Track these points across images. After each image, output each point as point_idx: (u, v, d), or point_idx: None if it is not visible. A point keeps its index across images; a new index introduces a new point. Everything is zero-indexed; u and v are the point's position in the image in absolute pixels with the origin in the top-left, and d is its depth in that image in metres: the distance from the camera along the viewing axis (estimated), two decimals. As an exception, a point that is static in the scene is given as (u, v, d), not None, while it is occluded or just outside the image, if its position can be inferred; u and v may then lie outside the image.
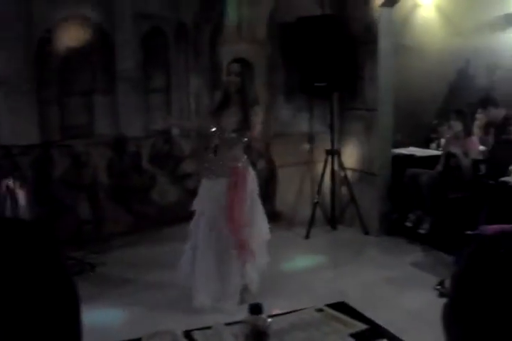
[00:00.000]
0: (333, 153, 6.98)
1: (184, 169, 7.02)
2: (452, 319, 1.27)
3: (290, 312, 2.66)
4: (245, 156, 5.02)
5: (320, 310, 2.67)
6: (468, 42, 8.15)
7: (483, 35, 8.38)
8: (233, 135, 4.89)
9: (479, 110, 7.37)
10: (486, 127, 7.31)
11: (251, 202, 4.97)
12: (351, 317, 2.60)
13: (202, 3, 6.75)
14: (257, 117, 4.98)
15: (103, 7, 6.33)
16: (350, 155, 7.17)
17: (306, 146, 7.24)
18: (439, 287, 1.30)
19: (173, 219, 6.32)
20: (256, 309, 2.16)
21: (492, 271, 1.20)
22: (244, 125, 4.86)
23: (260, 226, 5.04)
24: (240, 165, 4.92)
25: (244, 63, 5.14)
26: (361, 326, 2.51)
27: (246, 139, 4.98)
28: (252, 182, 5.01)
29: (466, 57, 8.41)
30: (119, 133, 6.58)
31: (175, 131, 6.87)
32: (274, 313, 2.52)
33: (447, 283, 1.18)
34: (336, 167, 7.08)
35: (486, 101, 7.39)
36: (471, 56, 8.40)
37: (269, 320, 2.20)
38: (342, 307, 2.75)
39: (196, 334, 2.44)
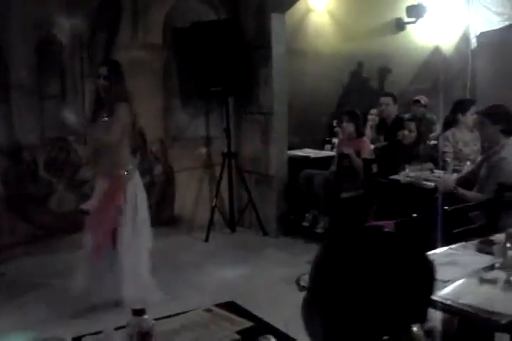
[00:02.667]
0: (230, 156, 7.06)
1: (82, 176, 6.93)
2: (312, 309, 1.35)
3: (179, 313, 2.71)
4: (132, 162, 4.93)
5: (209, 310, 2.73)
6: (360, 46, 8.40)
7: (374, 40, 8.67)
8: (108, 138, 4.79)
9: (371, 111, 7.63)
10: (378, 128, 7.57)
11: (131, 210, 4.86)
12: (240, 315, 2.68)
13: (97, 8, 6.70)
14: (124, 116, 4.79)
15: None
16: (247, 158, 7.28)
17: (203, 150, 7.30)
18: (299, 281, 1.37)
19: (72, 227, 6.24)
20: (139, 311, 2.21)
21: (342, 262, 1.30)
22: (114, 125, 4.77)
23: (140, 236, 4.94)
24: (119, 172, 4.81)
25: (115, 65, 4.96)
26: (248, 323, 2.59)
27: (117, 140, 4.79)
28: (132, 191, 4.87)
29: (358, 60, 8.65)
30: (14, 141, 6.45)
31: (71, 138, 6.79)
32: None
33: (305, 278, 1.25)
34: (234, 170, 7.16)
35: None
36: (363, 59, 8.66)
37: (153, 321, 2.25)
38: (231, 306, 2.82)
39: (86, 340, 2.45)
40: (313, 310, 1.33)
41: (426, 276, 1.30)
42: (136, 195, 4.90)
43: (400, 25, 9.14)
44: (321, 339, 1.32)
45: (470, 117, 6.40)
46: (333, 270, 1.29)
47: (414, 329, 1.27)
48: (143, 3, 6.76)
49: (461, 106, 6.49)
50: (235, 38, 6.86)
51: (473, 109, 6.42)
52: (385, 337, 1.24)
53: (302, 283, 1.45)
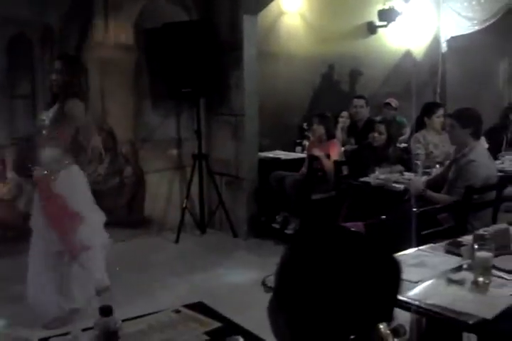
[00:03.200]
0: (201, 157, 7.04)
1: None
2: (278, 310, 1.34)
3: (147, 314, 2.69)
4: (66, 158, 4.62)
5: (177, 311, 2.72)
6: (332, 49, 8.45)
7: (346, 42, 8.71)
8: (44, 133, 4.60)
9: (342, 113, 7.66)
10: (349, 130, 7.61)
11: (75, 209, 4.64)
12: (209, 316, 2.67)
13: (69, 6, 6.65)
14: (73, 112, 4.56)
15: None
16: (218, 160, 7.27)
17: (174, 152, 7.27)
18: (265, 283, 1.36)
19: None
20: (106, 311, 2.19)
21: (308, 261, 1.30)
22: (59, 120, 4.56)
23: (90, 235, 4.71)
24: (44, 172, 4.60)
25: (70, 60, 4.82)
26: (216, 324, 2.57)
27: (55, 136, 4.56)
28: (67, 188, 4.61)
29: (330, 63, 8.68)
30: (-19, 141, 6.37)
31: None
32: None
33: (271, 279, 1.25)
34: (204, 171, 7.15)
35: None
36: (335, 62, 8.69)
37: (120, 321, 2.23)
38: (200, 307, 2.81)
39: (53, 341, 2.43)
40: (279, 311, 1.33)
41: (392, 276, 1.31)
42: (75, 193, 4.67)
43: (371, 29, 9.19)
44: (288, 340, 1.32)
45: (436, 120, 6.50)
46: (298, 269, 1.29)
47: (381, 328, 1.27)
48: (114, 3, 6.72)
49: (427, 109, 6.61)
50: (206, 39, 6.83)
51: (439, 112, 6.52)
52: (351, 337, 1.24)
53: (268, 284, 1.44)
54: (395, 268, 1.32)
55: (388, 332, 1.27)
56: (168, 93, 6.96)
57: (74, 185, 4.70)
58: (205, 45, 6.79)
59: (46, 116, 4.65)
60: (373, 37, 9.24)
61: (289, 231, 6.59)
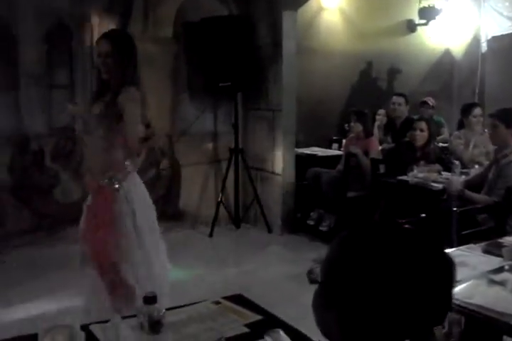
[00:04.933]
0: (237, 152, 7.05)
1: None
2: (326, 306, 1.32)
3: (187, 305, 2.70)
4: (128, 165, 3.79)
5: (217, 303, 2.72)
6: (371, 46, 8.42)
7: (385, 40, 8.67)
8: (99, 132, 3.73)
9: (379, 111, 7.62)
10: (386, 128, 7.57)
11: (133, 230, 3.83)
12: (248, 309, 2.67)
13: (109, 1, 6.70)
14: (130, 105, 3.69)
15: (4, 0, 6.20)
16: (254, 155, 7.27)
17: (210, 145, 7.29)
18: (311, 274, 1.36)
19: (77, 218, 6.23)
20: (150, 299, 2.20)
21: (360, 257, 1.27)
22: (112, 114, 3.69)
23: (151, 263, 3.94)
24: (104, 181, 3.75)
25: (120, 38, 3.87)
26: (256, 317, 2.57)
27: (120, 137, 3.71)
28: (121, 208, 3.78)
29: (368, 60, 8.65)
30: (21, 130, 6.45)
31: (79, 127, 6.76)
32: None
33: (317, 271, 1.24)
34: (240, 166, 7.16)
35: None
36: (373, 59, 8.65)
37: (164, 310, 2.24)
38: (239, 299, 2.81)
39: (94, 328, 2.44)
40: (327, 307, 1.30)
41: (447, 275, 1.28)
42: (134, 208, 3.83)
43: (411, 27, 9.13)
44: (337, 338, 1.30)
45: (473, 119, 6.46)
46: (350, 265, 1.26)
47: (436, 332, 1.25)
48: (155, -4, 6.76)
49: (464, 110, 6.59)
50: (245, 34, 6.86)
51: (475, 112, 6.48)
52: None
53: (313, 276, 1.42)
54: (450, 266, 1.30)
55: (441, 335, 1.25)
56: (205, 87, 6.97)
57: (140, 194, 3.91)
58: (243, 40, 6.82)
59: (94, 109, 3.81)
60: (413, 35, 9.18)
61: (323, 228, 6.58)
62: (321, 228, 6.60)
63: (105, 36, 3.86)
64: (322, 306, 1.33)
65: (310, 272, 1.49)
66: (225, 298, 2.79)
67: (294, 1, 6.96)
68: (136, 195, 3.85)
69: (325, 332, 1.34)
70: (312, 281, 1.41)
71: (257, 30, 7.02)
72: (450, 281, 1.29)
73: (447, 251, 3.23)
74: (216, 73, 6.80)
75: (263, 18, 7.05)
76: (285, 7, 6.86)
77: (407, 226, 1.45)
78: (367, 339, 1.25)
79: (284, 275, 5.35)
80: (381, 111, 7.72)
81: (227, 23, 6.82)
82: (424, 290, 1.23)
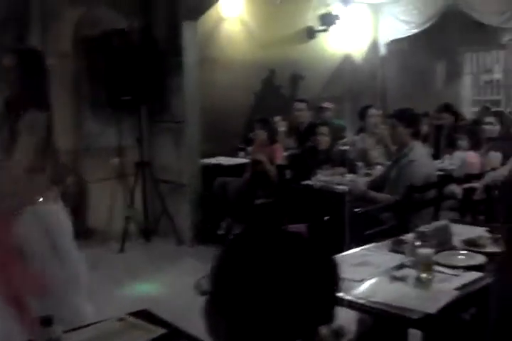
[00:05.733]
0: (143, 165, 6.99)
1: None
2: (215, 314, 1.31)
3: (91, 324, 2.64)
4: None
5: (121, 320, 2.67)
6: (273, 54, 8.50)
7: (286, 47, 8.77)
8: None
9: (282, 117, 7.67)
10: (290, 134, 7.64)
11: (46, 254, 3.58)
12: (154, 323, 2.62)
13: (4, 13, 6.52)
14: (35, 128, 3.43)
15: None
16: (161, 167, 7.20)
17: (116, 160, 7.18)
18: (199, 285, 1.35)
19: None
20: (46, 321, 2.13)
21: (246, 263, 1.27)
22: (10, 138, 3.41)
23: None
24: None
25: (29, 54, 3.58)
26: (161, 331, 2.53)
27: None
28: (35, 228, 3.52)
29: (271, 68, 8.73)
30: None
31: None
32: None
33: (203, 282, 1.22)
34: (148, 179, 7.08)
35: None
36: (275, 67, 8.73)
37: (61, 331, 2.18)
38: (145, 314, 2.76)
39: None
40: (217, 315, 1.30)
41: (329, 276, 1.29)
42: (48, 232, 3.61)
43: (311, 33, 9.28)
44: None
45: (369, 120, 6.63)
46: (235, 272, 1.26)
47: (323, 331, 1.25)
48: (51, 10, 6.61)
49: (360, 113, 6.76)
50: (145, 46, 6.81)
51: (370, 112, 6.66)
52: None
53: (201, 288, 1.41)
54: (333, 268, 1.30)
55: (329, 333, 1.26)
56: (108, 101, 6.86)
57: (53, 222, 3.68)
58: (144, 52, 6.76)
59: None
60: (313, 41, 9.34)
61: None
62: (230, 237, 6.58)
63: (12, 50, 3.63)
64: (211, 314, 1.33)
65: (197, 284, 1.48)
66: (131, 314, 2.74)
67: (193, 12, 6.95)
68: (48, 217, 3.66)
69: (215, 339, 1.33)
70: (202, 293, 1.40)
71: (157, 42, 6.97)
72: (333, 283, 1.30)
73: (351, 251, 3.30)
74: (118, 87, 6.71)
75: (163, 29, 7.02)
76: (184, 18, 6.85)
77: (292, 230, 1.46)
78: None
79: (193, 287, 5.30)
80: (277, 118, 7.77)
81: (127, 35, 6.75)
82: (307, 291, 1.24)
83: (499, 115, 7.26)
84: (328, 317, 1.28)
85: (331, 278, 1.30)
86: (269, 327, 1.22)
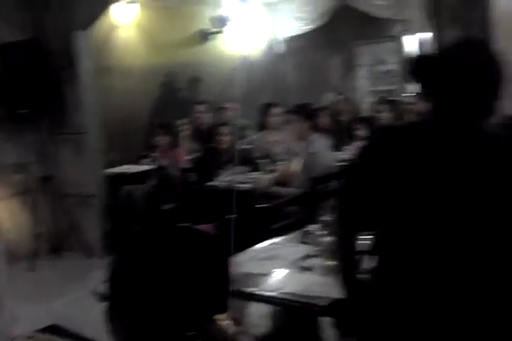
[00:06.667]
0: (48, 179, 6.83)
1: None
2: (114, 318, 1.31)
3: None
4: None
5: (30, 337, 2.62)
6: (170, 58, 8.51)
7: (183, 51, 8.79)
8: None
9: (184, 120, 7.65)
10: (193, 137, 7.64)
11: None
12: (64, 337, 2.58)
13: None
14: None
15: None
16: (65, 181, 7.05)
17: (18, 177, 6.98)
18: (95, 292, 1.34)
19: None
20: None
21: (137, 263, 1.28)
22: None
23: None
24: None
25: None
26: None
27: None
28: None
29: (169, 72, 8.72)
30: None
31: None
32: None
33: (101, 288, 1.21)
34: (52, 194, 6.93)
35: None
36: (174, 71, 8.73)
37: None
38: (54, 329, 2.72)
39: None
40: (115, 319, 1.30)
41: (222, 269, 1.31)
42: None
43: (205, 36, 9.32)
44: None
45: (273, 119, 6.69)
46: (129, 272, 1.27)
47: (219, 319, 1.27)
48: None
49: (263, 110, 6.81)
50: (39, 58, 6.64)
51: (274, 111, 6.72)
52: (191, 333, 1.24)
53: (99, 295, 1.41)
54: (224, 261, 1.33)
55: (227, 322, 1.29)
56: (5, 115, 6.67)
57: None
58: (37, 64, 6.59)
59: None
60: (210, 43, 9.43)
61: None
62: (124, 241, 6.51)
63: None
64: (111, 318, 1.33)
65: (95, 291, 1.48)
66: (39, 330, 2.69)
67: (84, 21, 6.83)
68: None
69: None
70: (101, 299, 1.40)
71: (49, 53, 6.81)
72: (225, 275, 1.32)
73: (259, 245, 3.32)
74: (13, 101, 6.54)
75: (56, 40, 6.85)
76: (76, 27, 6.72)
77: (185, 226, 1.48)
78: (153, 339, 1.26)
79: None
80: (185, 121, 7.76)
81: (19, 48, 6.57)
82: (200, 284, 1.26)
83: (392, 104, 7.47)
84: (222, 308, 1.30)
85: (223, 271, 1.32)
86: (165, 319, 1.24)
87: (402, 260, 1.82)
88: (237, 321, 1.30)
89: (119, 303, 1.29)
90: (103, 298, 1.35)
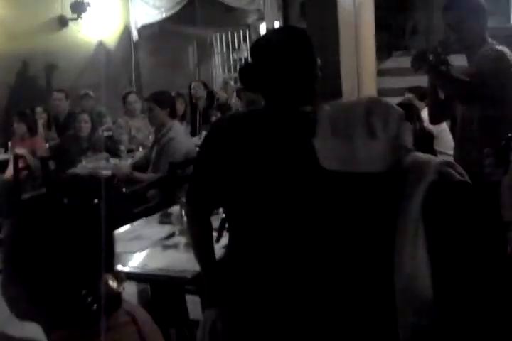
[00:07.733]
0: None
1: None
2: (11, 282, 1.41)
3: None
4: None
5: None
6: (24, 45, 8.30)
7: (38, 37, 8.61)
8: None
9: (36, 109, 7.53)
10: (51, 124, 7.59)
11: None
12: None
13: None
14: None
15: None
16: None
17: None
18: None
19: None
20: None
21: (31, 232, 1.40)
22: None
23: None
24: None
25: None
26: None
27: None
28: None
29: (23, 59, 8.55)
30: None
31: None
32: None
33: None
34: None
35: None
36: (28, 58, 8.57)
37: None
38: None
39: None
40: (13, 284, 1.39)
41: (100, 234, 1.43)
42: None
43: (62, 22, 9.20)
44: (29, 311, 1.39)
45: (129, 107, 6.85)
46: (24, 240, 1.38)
47: (107, 277, 1.40)
48: None
49: (122, 99, 6.95)
50: None
51: (129, 98, 6.87)
52: (84, 291, 1.35)
53: None
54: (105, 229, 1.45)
55: (113, 278, 1.41)
56: None
57: None
58: None
59: None
60: (66, 30, 9.28)
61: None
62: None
63: None
64: (7, 287, 1.41)
65: None
66: None
67: None
68: None
69: (16, 312, 1.42)
70: None
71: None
72: (109, 240, 1.44)
73: (122, 228, 3.45)
74: None
75: None
76: None
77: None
78: (50, 301, 1.36)
79: None
80: (38, 109, 7.65)
81: None
82: (88, 249, 1.38)
83: (243, 90, 7.69)
84: (110, 266, 1.43)
85: (107, 235, 1.44)
86: (60, 280, 1.36)
87: (248, 235, 2.06)
88: (118, 277, 1.44)
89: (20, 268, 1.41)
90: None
